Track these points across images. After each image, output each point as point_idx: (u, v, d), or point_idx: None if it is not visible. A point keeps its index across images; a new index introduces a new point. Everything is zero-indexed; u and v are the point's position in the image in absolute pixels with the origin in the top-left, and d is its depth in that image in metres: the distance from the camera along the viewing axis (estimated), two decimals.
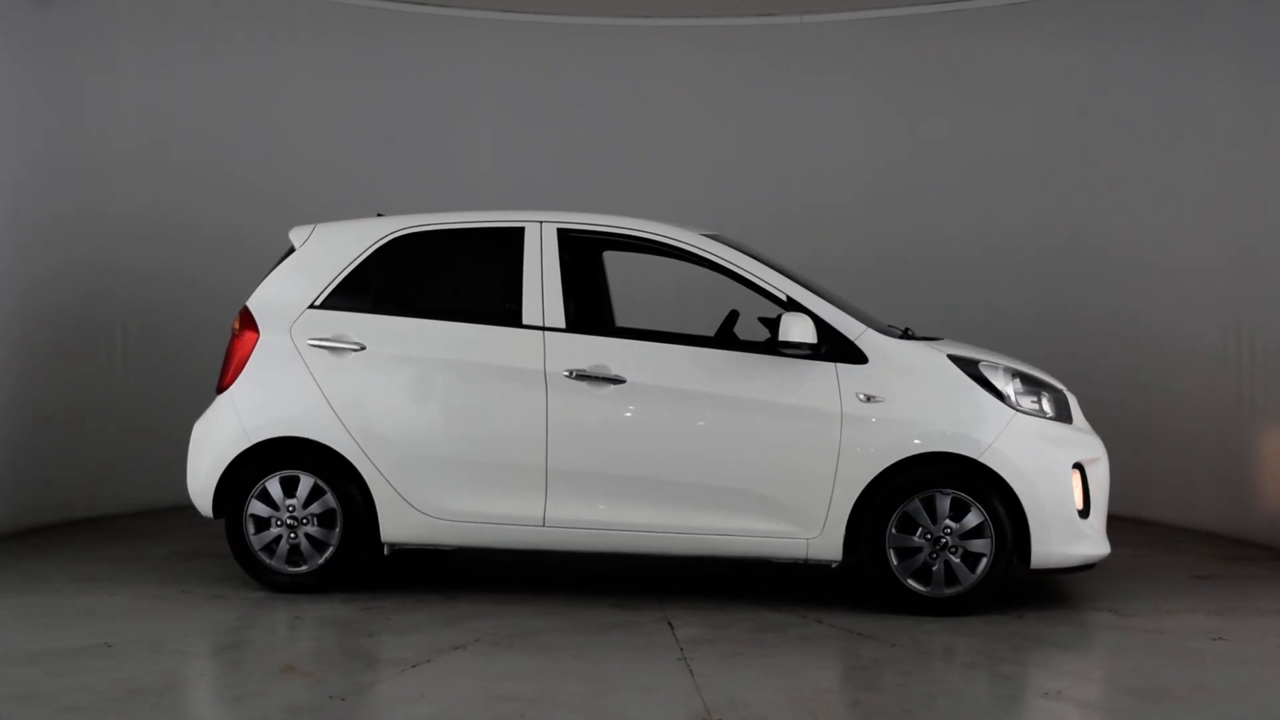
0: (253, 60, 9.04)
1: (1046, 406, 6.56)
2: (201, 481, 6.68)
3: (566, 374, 6.47)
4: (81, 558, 7.41)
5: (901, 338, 6.74)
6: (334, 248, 6.81)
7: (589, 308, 7.71)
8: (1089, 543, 6.46)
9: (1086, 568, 6.58)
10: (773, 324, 6.52)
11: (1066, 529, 6.38)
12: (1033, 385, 6.59)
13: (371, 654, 5.68)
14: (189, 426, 6.82)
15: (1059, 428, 6.53)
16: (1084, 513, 6.48)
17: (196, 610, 6.33)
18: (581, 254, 7.62)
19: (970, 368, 6.47)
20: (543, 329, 6.55)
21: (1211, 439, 8.52)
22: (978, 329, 8.80)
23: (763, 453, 6.40)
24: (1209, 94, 8.62)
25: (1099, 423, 6.88)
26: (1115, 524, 8.58)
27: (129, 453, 8.67)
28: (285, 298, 6.74)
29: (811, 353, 6.40)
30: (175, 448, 7.07)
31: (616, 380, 6.45)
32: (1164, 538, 8.41)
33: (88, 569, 7.11)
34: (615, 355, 6.52)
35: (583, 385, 6.47)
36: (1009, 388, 6.46)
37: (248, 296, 6.81)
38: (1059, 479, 6.38)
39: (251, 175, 9.01)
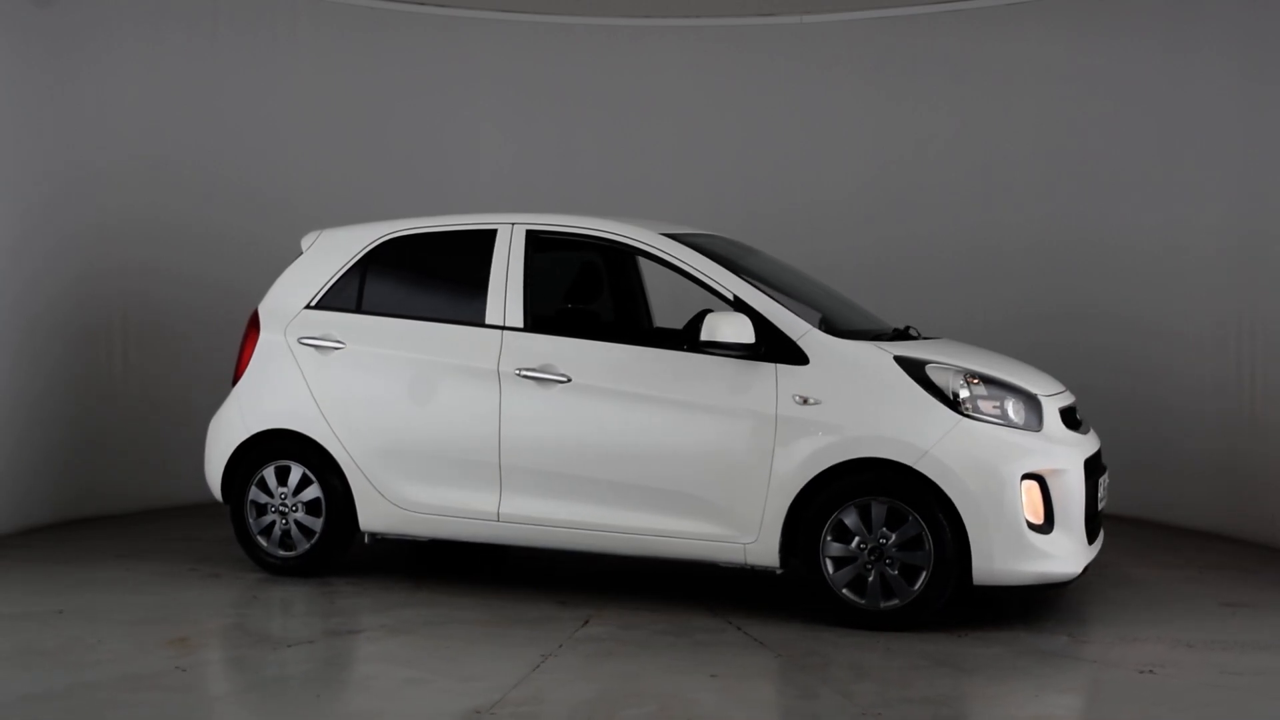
0: (253, 60, 9.17)
1: (1010, 412, 6.11)
2: (213, 469, 7.24)
3: (517, 373, 6.59)
4: (143, 537, 7.98)
5: (897, 338, 6.49)
6: (332, 252, 7.20)
7: (624, 309, 7.84)
8: (1047, 560, 5.96)
9: (1053, 587, 6.08)
10: None
11: (1013, 544, 5.92)
12: (997, 389, 6.15)
13: (267, 633, 6.00)
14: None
15: (1018, 435, 6.06)
16: (1043, 528, 5.99)
17: (184, 586, 6.81)
18: (615, 257, 7.72)
19: (916, 370, 6.12)
20: (502, 328, 6.69)
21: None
22: (980, 327, 8.37)
23: (699, 454, 6.30)
24: (1209, 94, 8.20)
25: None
26: (1207, 542, 7.86)
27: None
28: (287, 299, 7.19)
29: (749, 353, 6.24)
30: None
31: (563, 380, 6.52)
32: (1248, 560, 7.53)
33: (135, 546, 7.72)
34: (564, 355, 6.57)
35: (532, 384, 6.57)
36: (961, 391, 6.06)
37: (257, 296, 7.30)
38: (1005, 490, 5.93)
39: (254, 177, 9.18)
